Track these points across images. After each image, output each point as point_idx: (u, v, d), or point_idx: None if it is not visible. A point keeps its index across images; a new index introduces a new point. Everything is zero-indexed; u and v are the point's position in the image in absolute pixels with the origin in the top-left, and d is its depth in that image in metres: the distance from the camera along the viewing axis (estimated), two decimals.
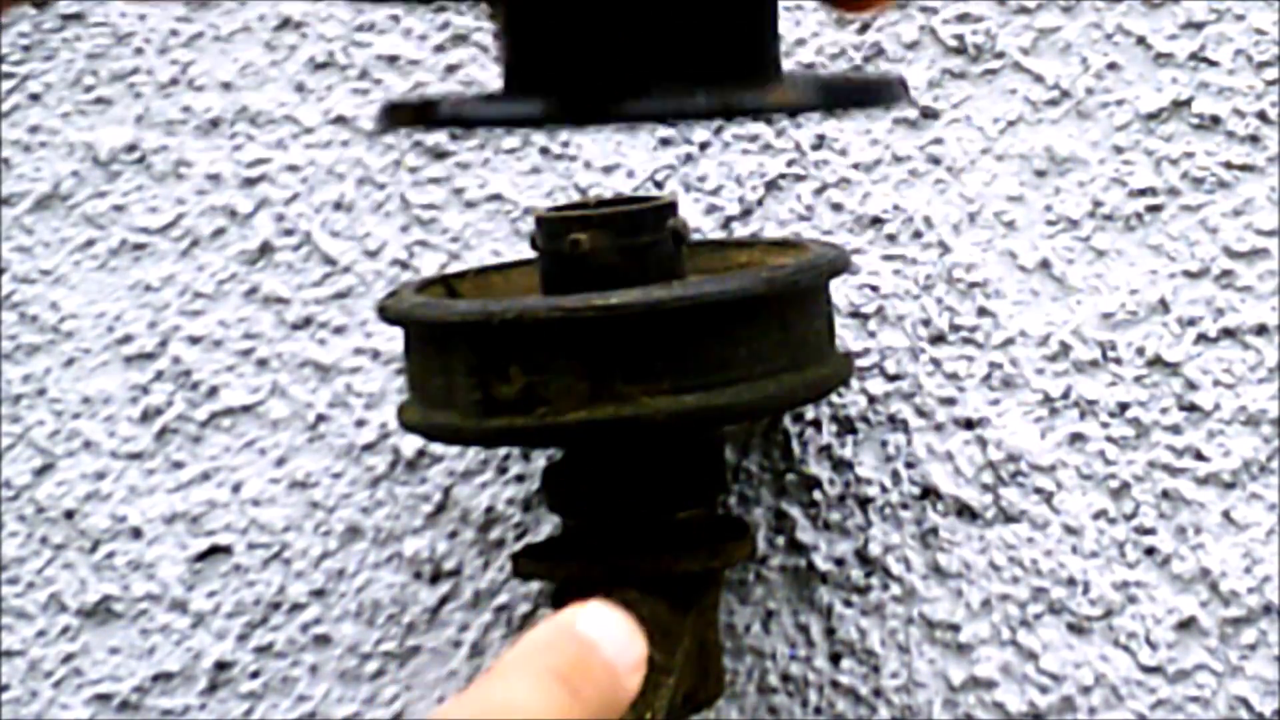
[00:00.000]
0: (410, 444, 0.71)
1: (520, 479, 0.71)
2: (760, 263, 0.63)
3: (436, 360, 0.59)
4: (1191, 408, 0.66)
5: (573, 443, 0.60)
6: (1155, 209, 0.66)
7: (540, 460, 0.69)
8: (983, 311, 0.67)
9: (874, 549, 0.68)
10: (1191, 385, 0.66)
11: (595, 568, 0.61)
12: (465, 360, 0.57)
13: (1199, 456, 0.66)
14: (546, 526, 0.70)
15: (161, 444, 0.73)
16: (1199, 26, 0.66)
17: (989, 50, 0.67)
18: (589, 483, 0.61)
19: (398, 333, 0.64)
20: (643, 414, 0.56)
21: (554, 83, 0.34)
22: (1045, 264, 0.67)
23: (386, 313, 0.61)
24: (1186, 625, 0.66)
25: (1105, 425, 0.66)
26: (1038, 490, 0.67)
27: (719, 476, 0.63)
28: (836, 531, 0.68)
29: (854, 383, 0.68)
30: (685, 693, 0.61)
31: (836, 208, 0.68)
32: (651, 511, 0.61)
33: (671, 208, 0.60)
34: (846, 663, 0.68)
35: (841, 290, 0.67)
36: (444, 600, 0.71)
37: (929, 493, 0.67)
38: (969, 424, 0.67)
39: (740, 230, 0.69)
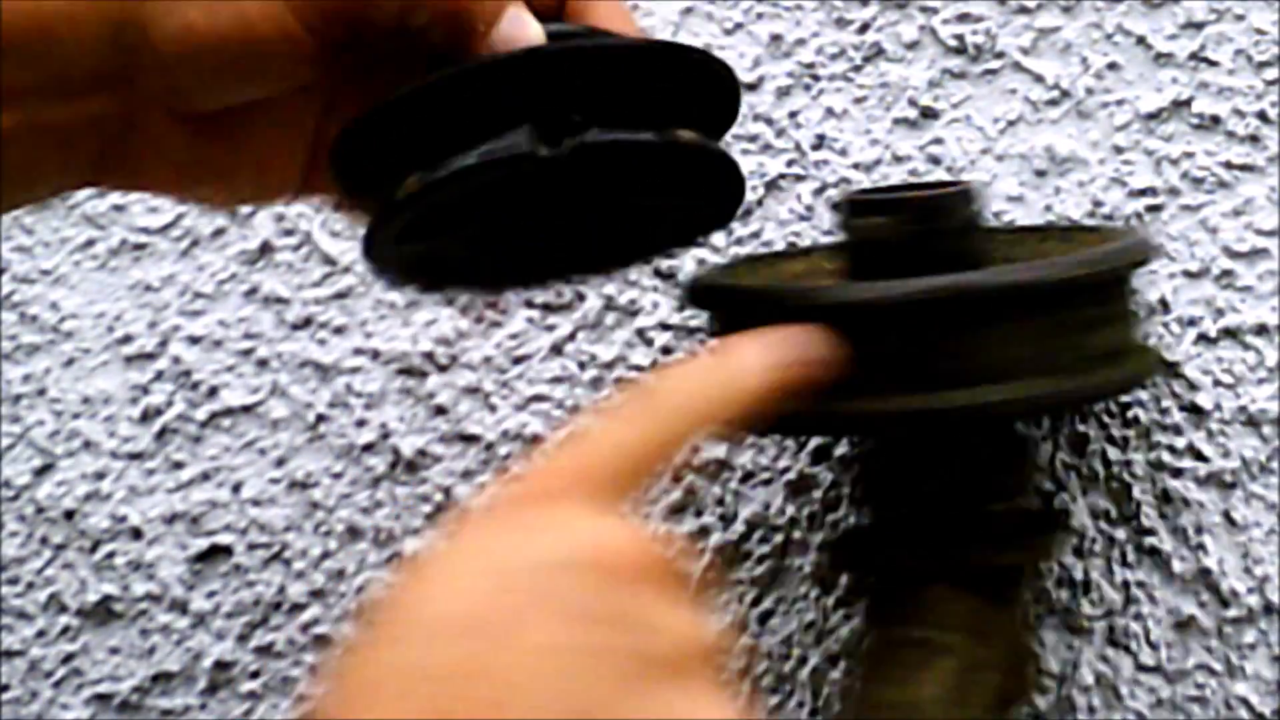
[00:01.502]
0: (410, 444, 0.71)
1: None
2: (1053, 251, 0.61)
3: None
4: (1191, 408, 0.66)
5: (890, 432, 0.60)
6: (1155, 209, 0.66)
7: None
8: None
9: None
10: (1191, 385, 0.66)
11: (912, 561, 0.60)
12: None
13: (1199, 456, 0.66)
14: None
15: (161, 444, 0.73)
16: (1199, 26, 0.66)
17: (989, 50, 0.67)
18: (904, 475, 0.60)
19: (398, 332, 0.64)
20: (973, 403, 0.55)
21: None
22: None
23: (710, 292, 0.60)
24: (1186, 625, 0.66)
25: (1105, 425, 0.66)
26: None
27: (1035, 468, 0.63)
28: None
29: None
30: (1001, 689, 0.60)
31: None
32: (969, 504, 0.60)
33: (973, 192, 0.59)
34: (847, 662, 0.68)
35: None
36: None
37: None
38: None
39: (740, 230, 0.69)
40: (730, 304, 0.59)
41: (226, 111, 0.51)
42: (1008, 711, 0.62)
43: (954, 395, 0.55)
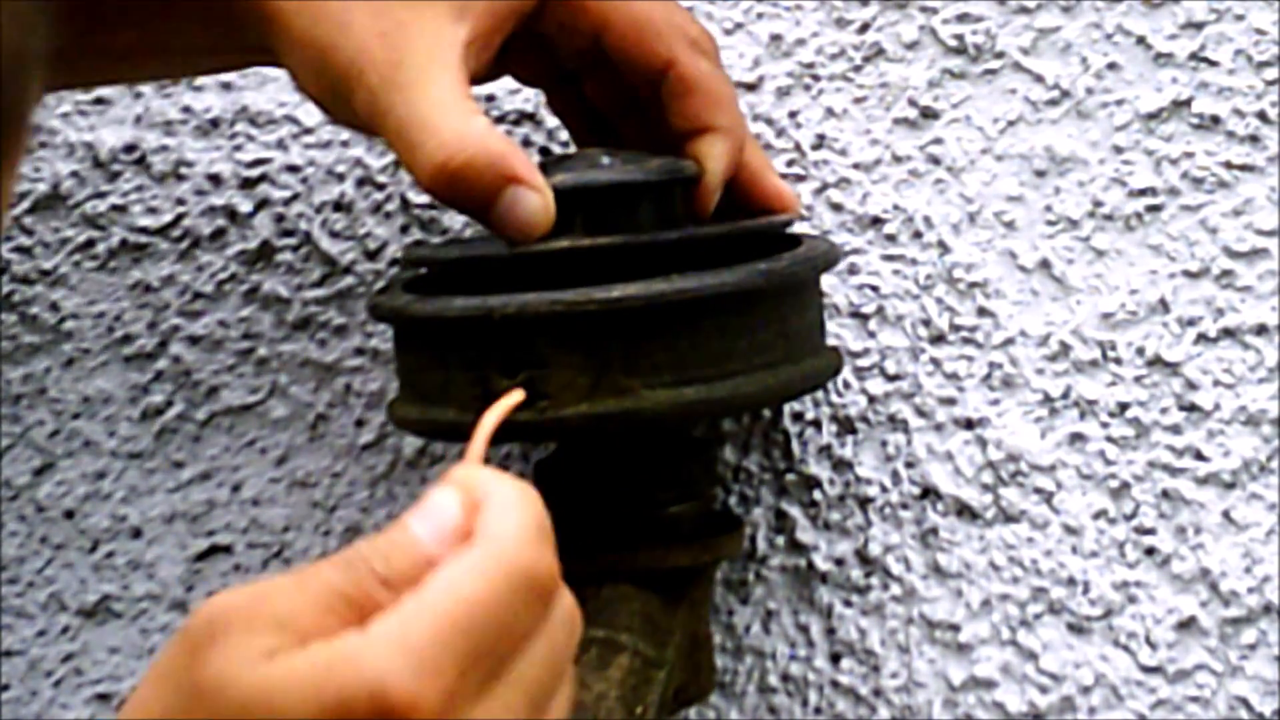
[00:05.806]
0: (410, 444, 0.71)
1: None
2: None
3: (433, 356, 0.58)
4: (1191, 408, 0.66)
5: (573, 437, 0.60)
6: (1155, 209, 0.66)
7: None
8: (983, 311, 0.67)
9: (874, 549, 0.68)
10: (1191, 385, 0.66)
11: (587, 562, 0.61)
12: (464, 356, 0.57)
13: (1199, 456, 0.66)
14: None
15: (161, 444, 0.73)
16: (1199, 26, 0.66)
17: (989, 50, 0.67)
18: (581, 477, 0.61)
19: None
20: (643, 407, 0.56)
21: None
22: (1045, 264, 0.67)
23: (379, 310, 0.60)
24: (1186, 625, 0.66)
25: (1105, 425, 0.66)
26: (1038, 490, 0.67)
27: (710, 470, 0.63)
28: (836, 531, 0.68)
29: (854, 383, 0.68)
30: (676, 687, 0.61)
31: (836, 208, 0.68)
32: (642, 505, 0.61)
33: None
34: (846, 663, 0.68)
35: (841, 290, 0.67)
36: None
37: (929, 493, 0.67)
38: (969, 424, 0.67)
39: None
40: (412, 324, 0.59)
41: None
42: (684, 708, 0.63)
43: (620, 400, 0.56)
